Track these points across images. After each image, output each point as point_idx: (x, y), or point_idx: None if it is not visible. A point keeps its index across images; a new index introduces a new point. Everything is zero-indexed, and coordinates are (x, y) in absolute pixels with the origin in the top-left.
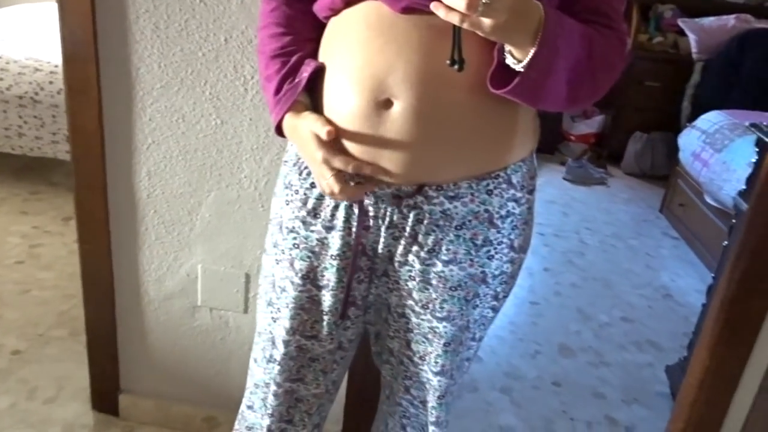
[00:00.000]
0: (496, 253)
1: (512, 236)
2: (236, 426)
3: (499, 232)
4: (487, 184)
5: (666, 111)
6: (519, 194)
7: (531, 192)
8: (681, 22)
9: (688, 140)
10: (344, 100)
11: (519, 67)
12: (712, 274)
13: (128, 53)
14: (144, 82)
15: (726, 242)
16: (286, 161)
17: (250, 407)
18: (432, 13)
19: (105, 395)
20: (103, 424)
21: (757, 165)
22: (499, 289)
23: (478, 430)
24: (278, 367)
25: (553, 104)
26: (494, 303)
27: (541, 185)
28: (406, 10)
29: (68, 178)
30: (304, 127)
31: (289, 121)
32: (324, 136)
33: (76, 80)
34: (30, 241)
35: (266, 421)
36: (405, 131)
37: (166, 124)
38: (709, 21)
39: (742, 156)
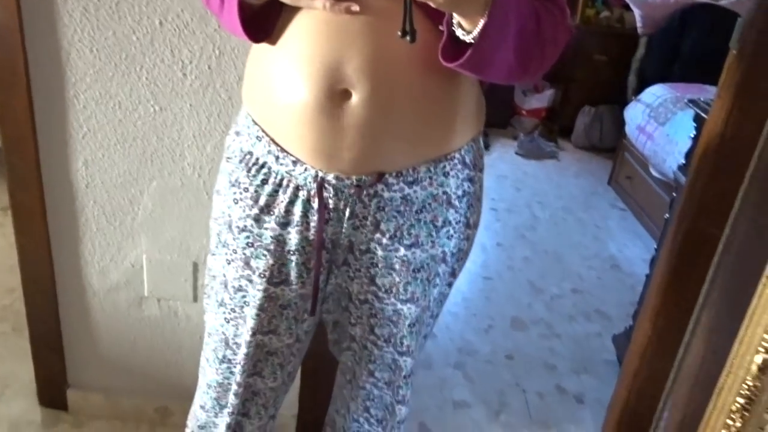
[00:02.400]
0: (455, 232)
1: (468, 214)
2: (188, 424)
3: (457, 212)
4: (444, 166)
5: (613, 84)
6: (472, 173)
7: (482, 170)
8: None
9: (634, 114)
10: (295, 92)
11: (469, 39)
12: (656, 246)
13: (57, 38)
14: (76, 68)
15: (667, 215)
16: (229, 158)
17: (202, 407)
18: None
19: (52, 390)
20: (51, 420)
21: (696, 140)
22: (456, 266)
23: (433, 406)
24: (239, 367)
25: (501, 76)
26: (451, 279)
27: (494, 160)
28: None
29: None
30: None
31: None
32: None
33: (3, 68)
34: None
35: (225, 420)
36: (364, 121)
37: (101, 111)
38: None
39: (684, 129)
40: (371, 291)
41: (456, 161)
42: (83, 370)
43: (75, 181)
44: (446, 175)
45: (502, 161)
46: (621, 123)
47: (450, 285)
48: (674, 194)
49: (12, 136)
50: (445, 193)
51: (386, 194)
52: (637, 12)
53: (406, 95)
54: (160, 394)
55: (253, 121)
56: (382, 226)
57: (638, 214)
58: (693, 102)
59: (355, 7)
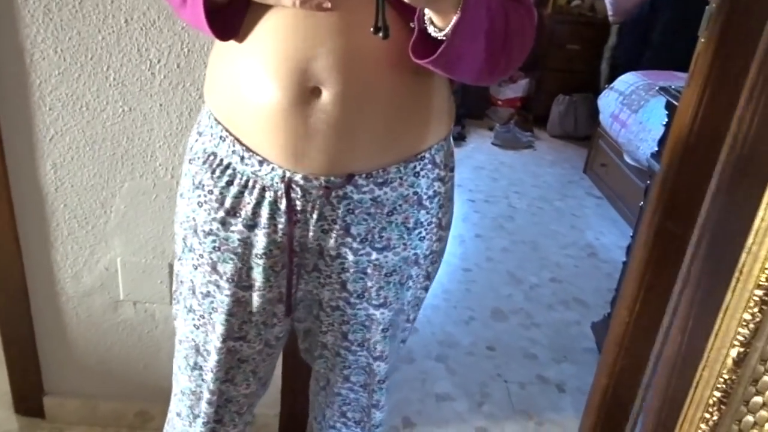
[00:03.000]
0: (427, 233)
1: (440, 215)
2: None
3: (428, 212)
4: (414, 167)
5: (586, 73)
6: (443, 173)
7: (452, 170)
8: None
9: (607, 102)
10: (262, 90)
11: (441, 35)
12: (632, 233)
13: (19, 39)
14: (40, 70)
15: (642, 203)
16: (192, 159)
17: (178, 414)
18: None
19: (28, 398)
20: (28, 428)
21: (668, 127)
22: (430, 269)
23: (415, 400)
24: (211, 374)
25: (471, 74)
26: (426, 283)
27: (471, 151)
28: None
29: None
30: None
31: None
32: None
33: None
34: None
35: (198, 428)
36: (334, 119)
37: (68, 113)
38: None
39: (657, 116)
40: (343, 297)
41: (426, 161)
42: (59, 377)
43: (44, 184)
44: (417, 175)
45: (479, 152)
46: (595, 111)
47: (426, 289)
48: (648, 181)
49: None
50: (416, 193)
51: (356, 196)
52: (607, 0)
53: (377, 93)
54: (140, 398)
55: (216, 120)
56: (353, 230)
57: (614, 201)
58: (664, 90)
59: (327, 4)
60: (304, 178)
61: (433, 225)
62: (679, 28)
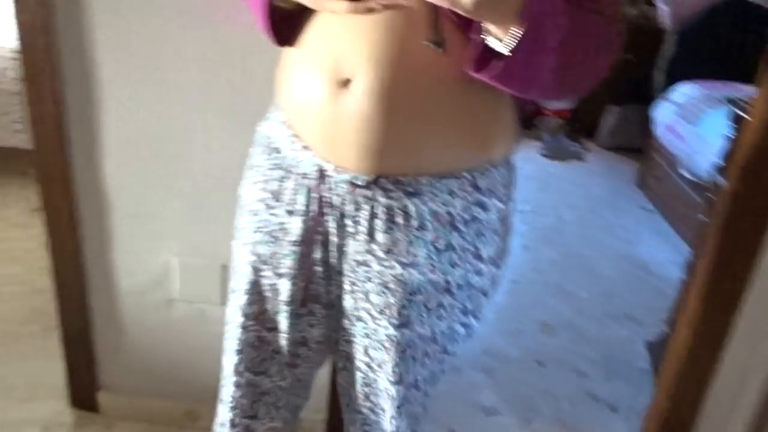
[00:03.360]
0: (460, 261)
1: (478, 244)
2: (215, 421)
3: (462, 237)
4: (448, 184)
5: (639, 83)
6: (486, 199)
7: (503, 201)
8: None
9: (662, 113)
10: (306, 79)
11: (502, 48)
12: (689, 248)
13: (87, 40)
14: (106, 71)
15: (703, 217)
16: (254, 143)
17: (221, 401)
18: None
19: (83, 392)
20: (82, 422)
21: (735, 141)
22: (468, 304)
23: (461, 412)
24: (237, 356)
25: (540, 92)
26: (464, 319)
27: (518, 161)
28: None
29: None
30: None
31: None
32: None
33: (35, 71)
34: None
35: (228, 414)
36: (362, 113)
37: (131, 114)
38: None
39: (717, 128)
40: (365, 308)
41: (465, 182)
42: (113, 373)
43: (105, 183)
44: (451, 194)
45: (527, 162)
46: (647, 122)
47: (465, 326)
48: (710, 195)
49: (43, 138)
50: (449, 213)
51: (382, 199)
52: (664, 8)
53: (412, 97)
54: (189, 397)
55: (278, 107)
56: (378, 237)
57: (667, 215)
58: (731, 101)
59: (373, 4)
60: (336, 170)
61: (468, 253)
62: (739, 37)
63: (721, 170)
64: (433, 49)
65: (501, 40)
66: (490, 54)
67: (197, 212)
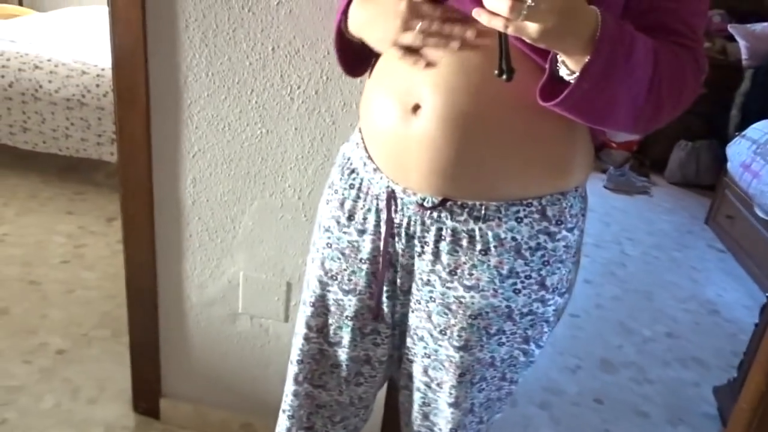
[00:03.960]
0: (523, 287)
1: (543, 272)
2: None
3: (527, 264)
4: (517, 211)
5: (712, 119)
6: (554, 228)
7: (571, 230)
8: (731, 28)
9: (738, 150)
10: (379, 104)
11: (571, 78)
12: (760, 290)
13: (177, 61)
14: (192, 90)
15: None
16: (335, 163)
17: (283, 410)
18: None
19: (146, 398)
20: (143, 427)
21: None
22: (529, 332)
23: None
24: (298, 366)
25: (613, 123)
26: (525, 346)
27: None
28: None
29: (111, 178)
30: None
31: None
32: None
33: (126, 88)
34: (75, 241)
35: (286, 423)
36: (427, 135)
37: (212, 132)
38: (760, 27)
39: None
40: (427, 328)
41: (533, 209)
42: (177, 381)
43: (183, 197)
44: (519, 220)
45: (590, 195)
46: (719, 159)
47: (526, 354)
48: None
49: (128, 150)
50: (514, 239)
51: (449, 222)
52: (742, 43)
53: (479, 124)
54: (246, 410)
55: (359, 129)
56: (443, 258)
57: (740, 256)
58: None
59: (420, 64)
60: (404, 191)
61: (532, 281)
62: None
63: None
64: (501, 78)
65: (572, 69)
66: (564, 84)
67: (265, 229)
